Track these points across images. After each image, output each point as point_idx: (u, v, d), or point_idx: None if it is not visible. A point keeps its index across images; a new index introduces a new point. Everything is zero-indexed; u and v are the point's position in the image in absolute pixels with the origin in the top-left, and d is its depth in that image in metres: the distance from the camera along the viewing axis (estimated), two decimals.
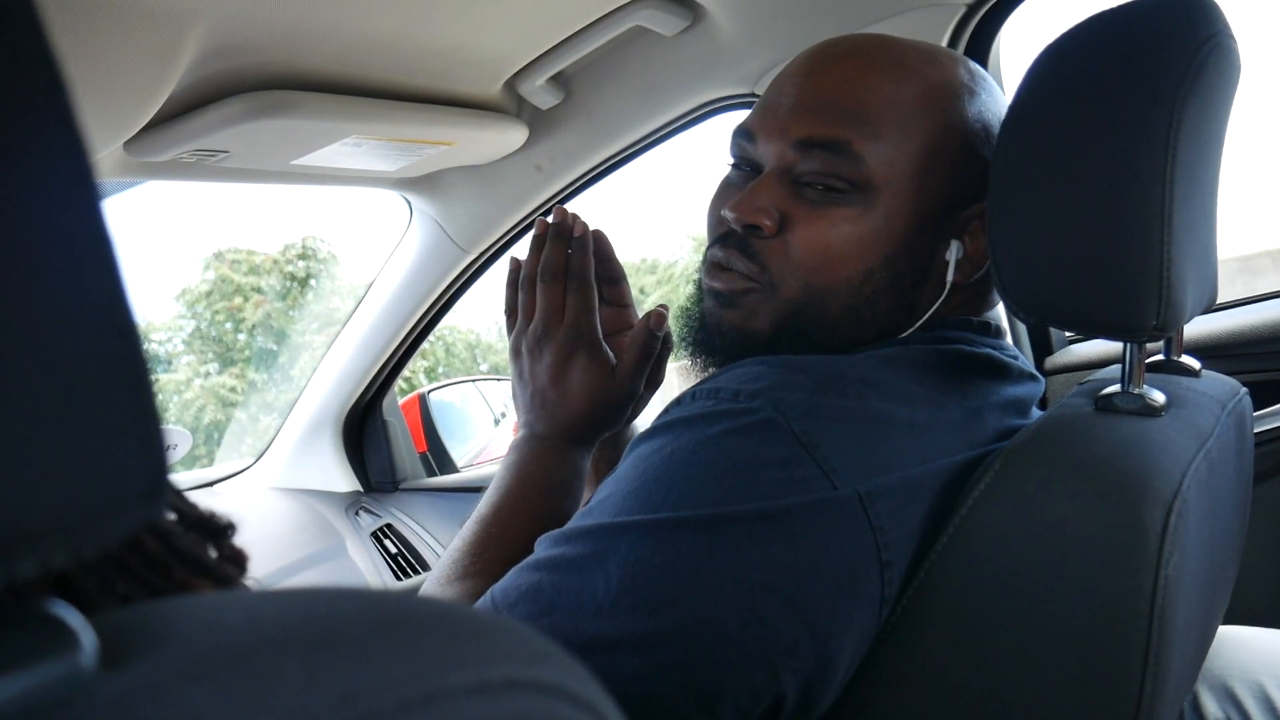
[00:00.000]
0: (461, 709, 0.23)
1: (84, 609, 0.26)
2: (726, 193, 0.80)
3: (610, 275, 0.93)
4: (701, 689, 0.58)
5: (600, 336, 0.86)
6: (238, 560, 0.35)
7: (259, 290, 16.27)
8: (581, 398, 0.85)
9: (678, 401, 0.68)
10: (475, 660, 0.25)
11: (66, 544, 0.20)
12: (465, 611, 0.27)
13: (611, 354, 0.86)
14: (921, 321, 0.77)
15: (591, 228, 0.88)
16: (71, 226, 0.22)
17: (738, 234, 0.76)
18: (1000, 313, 1.38)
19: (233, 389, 15.39)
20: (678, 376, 1.23)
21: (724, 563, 0.59)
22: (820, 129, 0.73)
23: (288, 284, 16.50)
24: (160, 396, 0.24)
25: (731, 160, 0.82)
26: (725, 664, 0.58)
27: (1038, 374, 0.80)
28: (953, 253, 0.75)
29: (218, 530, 0.35)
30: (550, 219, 0.88)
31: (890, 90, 0.73)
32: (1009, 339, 1.37)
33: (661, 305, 0.88)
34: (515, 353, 0.89)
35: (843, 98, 0.74)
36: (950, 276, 0.75)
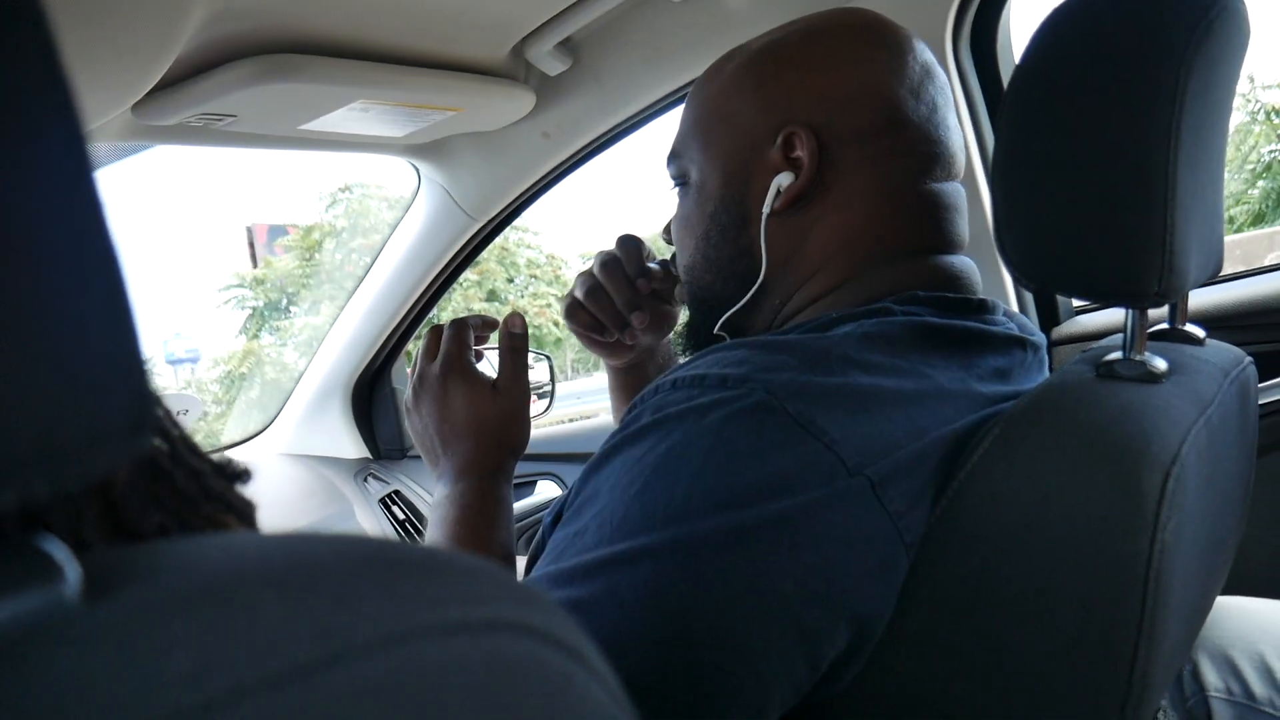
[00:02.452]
0: (442, 647, 0.24)
1: (125, 537, 0.27)
2: None
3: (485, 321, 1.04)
4: (749, 699, 0.57)
5: (469, 361, 0.95)
6: (248, 506, 0.36)
7: None
8: (469, 420, 0.92)
9: (654, 391, 0.66)
10: (457, 600, 0.25)
11: (47, 475, 0.21)
12: (448, 555, 0.27)
13: (488, 372, 0.95)
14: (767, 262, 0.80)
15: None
16: (54, 165, 0.22)
17: None
18: (1007, 282, 1.38)
19: None
20: None
21: (753, 578, 0.57)
22: (669, 152, 0.89)
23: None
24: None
25: None
26: (769, 672, 0.58)
27: (1033, 337, 0.79)
28: (774, 185, 0.78)
29: (234, 475, 0.36)
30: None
31: (686, 106, 0.87)
32: (1021, 308, 1.38)
33: (516, 312, 1.01)
34: (407, 414, 1.00)
35: (678, 128, 0.89)
36: (767, 207, 0.79)
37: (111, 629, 0.21)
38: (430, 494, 1.95)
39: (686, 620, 0.56)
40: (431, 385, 0.96)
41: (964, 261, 0.80)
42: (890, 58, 0.78)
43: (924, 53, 0.80)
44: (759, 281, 0.81)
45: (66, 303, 0.21)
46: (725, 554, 0.57)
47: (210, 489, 0.34)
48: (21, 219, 0.21)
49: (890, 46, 0.78)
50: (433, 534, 0.90)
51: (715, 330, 0.85)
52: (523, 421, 0.95)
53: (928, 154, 0.77)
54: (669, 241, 0.93)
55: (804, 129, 0.76)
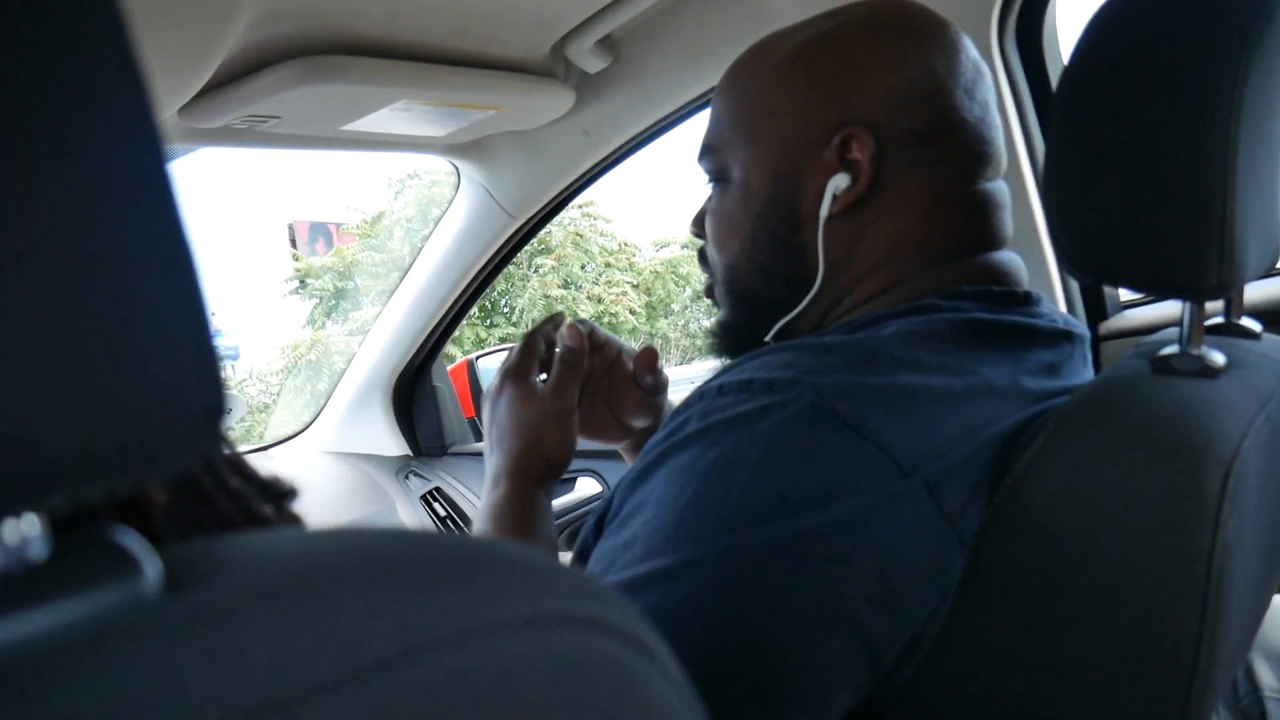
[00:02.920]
0: (516, 641, 0.24)
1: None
2: None
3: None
4: (810, 701, 0.57)
5: (527, 370, 0.96)
6: (295, 524, 0.36)
7: None
8: (509, 422, 0.93)
9: (699, 397, 0.65)
10: (530, 595, 0.25)
11: (131, 470, 0.21)
12: (519, 550, 0.27)
13: (539, 383, 0.96)
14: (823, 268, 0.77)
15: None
16: (135, 169, 0.22)
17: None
18: (1053, 276, 1.37)
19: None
20: None
21: (812, 585, 0.56)
22: (703, 142, 0.85)
23: None
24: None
25: None
26: (830, 674, 0.57)
27: (1077, 330, 0.77)
28: (830, 188, 0.75)
29: (281, 494, 0.36)
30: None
31: (720, 97, 0.83)
32: (1061, 306, 1.37)
33: (579, 320, 1.00)
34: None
35: (710, 118, 0.85)
36: (824, 211, 0.76)
37: (193, 623, 0.21)
38: (470, 490, 1.96)
39: (747, 631, 0.56)
40: (490, 391, 0.97)
41: (1010, 257, 0.78)
42: (946, 56, 0.76)
43: (973, 49, 0.79)
44: (815, 289, 0.78)
45: (146, 299, 0.22)
46: (783, 562, 0.56)
47: (254, 513, 0.34)
48: (102, 216, 0.21)
49: (945, 44, 0.76)
50: (478, 525, 0.91)
51: (767, 338, 0.82)
52: (562, 428, 0.93)
53: (980, 154, 0.76)
54: (699, 235, 0.89)
55: (863, 130, 0.74)
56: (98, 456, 0.20)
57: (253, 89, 1.20)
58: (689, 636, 0.55)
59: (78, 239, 0.21)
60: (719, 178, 0.83)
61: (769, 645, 0.56)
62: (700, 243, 0.89)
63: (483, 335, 12.63)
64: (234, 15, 1.03)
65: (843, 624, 0.57)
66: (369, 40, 1.23)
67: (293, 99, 1.23)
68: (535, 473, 0.91)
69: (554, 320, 1.01)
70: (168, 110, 1.21)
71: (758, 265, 0.81)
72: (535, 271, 12.95)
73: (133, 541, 0.22)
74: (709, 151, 0.83)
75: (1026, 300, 0.76)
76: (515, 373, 0.96)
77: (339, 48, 1.22)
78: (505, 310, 13.55)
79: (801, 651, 0.56)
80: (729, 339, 0.86)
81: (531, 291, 12.43)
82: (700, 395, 0.65)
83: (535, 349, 0.98)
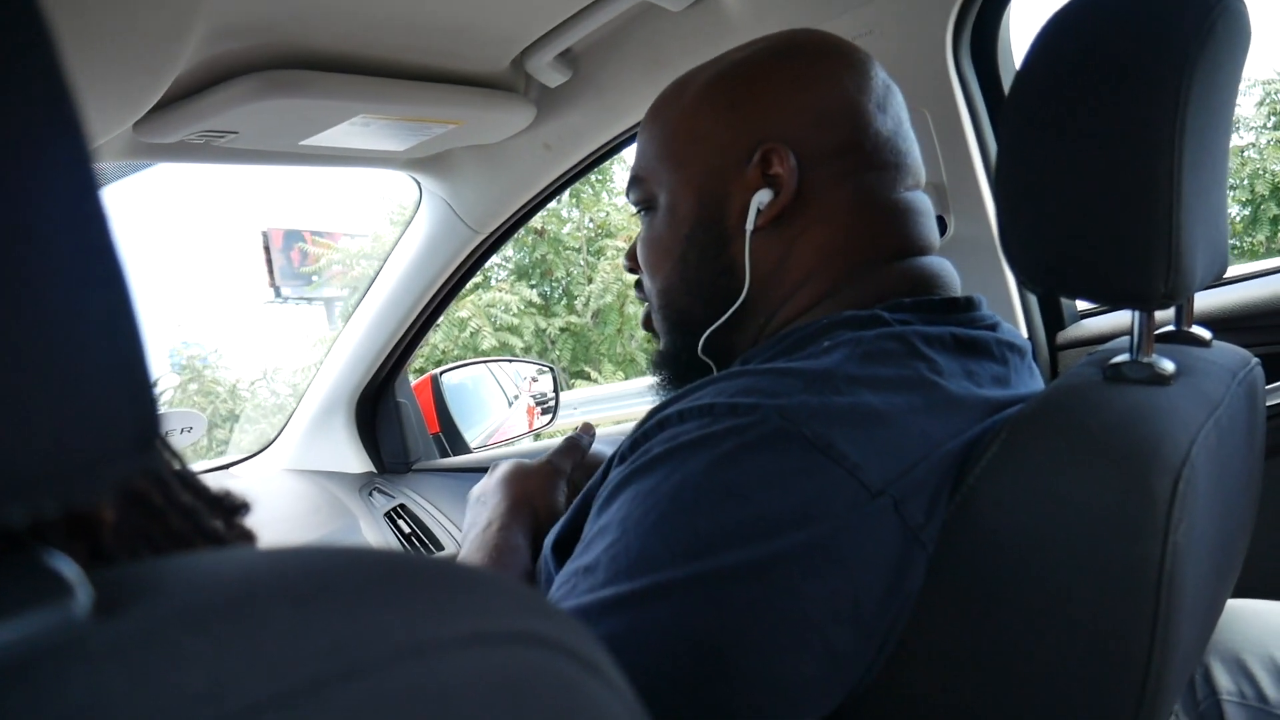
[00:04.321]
0: (456, 659, 0.23)
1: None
2: None
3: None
4: (776, 719, 0.57)
5: (557, 465, 1.01)
6: (248, 540, 0.36)
7: None
8: (510, 479, 0.98)
9: (659, 425, 0.65)
10: (471, 612, 0.25)
11: (56, 491, 0.21)
12: (461, 567, 0.27)
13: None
14: (748, 278, 0.80)
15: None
16: (60, 184, 0.22)
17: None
18: (1011, 287, 1.38)
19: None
20: None
21: (784, 608, 0.56)
22: (630, 178, 0.89)
23: None
24: None
25: None
26: (797, 692, 0.57)
27: (1019, 342, 0.78)
28: (754, 203, 0.78)
29: (233, 509, 0.35)
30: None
31: (644, 130, 0.87)
32: (1018, 315, 1.38)
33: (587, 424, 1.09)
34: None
35: (636, 151, 0.89)
36: (750, 224, 0.79)
37: (123, 647, 0.21)
38: (435, 506, 1.95)
39: (717, 654, 0.55)
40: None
41: (940, 263, 0.81)
42: (856, 74, 0.80)
43: (882, 71, 0.83)
44: (741, 298, 0.80)
45: (72, 318, 0.21)
46: (754, 586, 0.56)
47: (205, 528, 0.33)
48: (26, 234, 0.21)
49: (855, 65, 0.80)
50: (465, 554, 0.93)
51: (699, 353, 0.84)
52: (552, 486, 0.98)
53: (898, 164, 0.80)
54: (632, 269, 0.92)
55: (782, 146, 0.77)
56: (21, 478, 0.20)
57: (209, 104, 1.19)
58: (656, 661, 0.55)
59: (0, 256, 0.20)
60: (647, 206, 0.87)
61: (739, 668, 0.55)
62: (635, 276, 0.93)
63: (542, 325, 12.09)
64: (190, 29, 1.02)
65: (813, 644, 0.57)
66: (327, 55, 1.22)
67: (250, 114, 1.22)
68: (521, 521, 0.93)
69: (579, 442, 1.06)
70: (123, 125, 1.19)
71: (690, 284, 0.84)
72: (599, 256, 12.42)
73: (63, 564, 0.22)
74: (636, 183, 0.87)
75: (968, 306, 0.77)
76: (548, 465, 1.01)
77: (297, 62, 1.21)
78: (562, 299, 12.83)
79: (772, 673, 0.56)
80: (671, 366, 0.88)
81: (603, 275, 11.89)
82: (660, 423, 0.65)
83: (576, 449, 1.04)
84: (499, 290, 12.03)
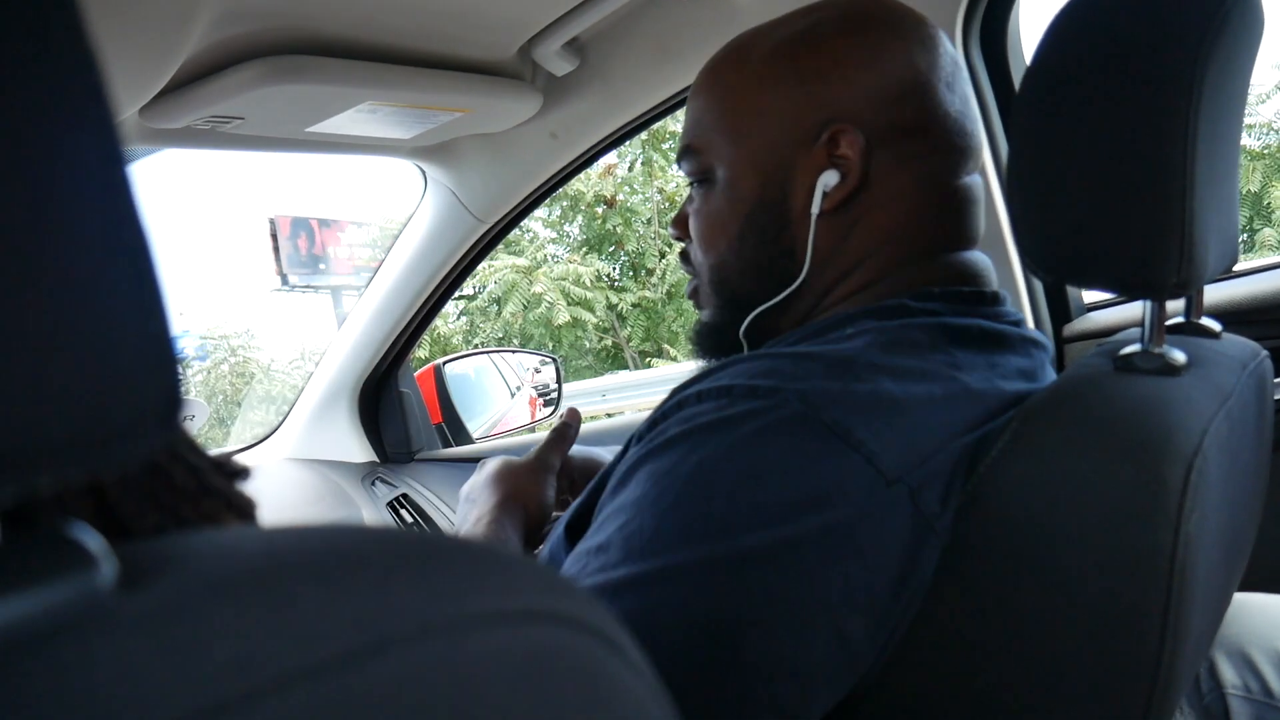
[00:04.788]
0: (481, 637, 0.23)
1: (120, 536, 0.26)
2: None
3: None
4: (790, 708, 0.57)
5: (547, 460, 1.00)
6: (248, 503, 0.36)
7: None
8: (499, 477, 0.97)
9: (678, 405, 0.65)
10: (496, 590, 0.25)
11: (83, 461, 0.20)
12: (485, 546, 0.27)
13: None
14: (809, 260, 0.77)
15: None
16: (89, 158, 0.22)
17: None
18: (1018, 277, 1.38)
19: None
20: None
21: (798, 592, 0.56)
22: (682, 143, 0.85)
23: None
24: None
25: None
26: (814, 684, 0.57)
27: (1041, 338, 0.78)
28: (820, 185, 0.75)
29: (233, 473, 0.35)
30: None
31: (699, 97, 0.83)
32: (1025, 308, 1.38)
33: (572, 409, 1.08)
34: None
35: (687, 118, 0.85)
36: (815, 208, 0.76)
37: (150, 618, 0.20)
38: (437, 496, 1.95)
39: (730, 637, 0.55)
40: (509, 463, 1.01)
41: (981, 257, 0.79)
42: (926, 50, 0.76)
43: (949, 44, 0.79)
44: (798, 282, 0.78)
45: (100, 292, 0.21)
46: (769, 570, 0.56)
47: (209, 485, 0.34)
48: (56, 210, 0.21)
49: (924, 39, 0.77)
50: None
51: (741, 331, 0.82)
52: (540, 481, 0.97)
53: (963, 148, 0.77)
54: (680, 238, 0.89)
55: (851, 126, 0.74)
56: (50, 449, 0.20)
57: (216, 89, 1.19)
58: (668, 642, 0.55)
59: (29, 228, 0.20)
60: (702, 178, 0.82)
61: (751, 651, 0.55)
62: (680, 244, 0.89)
63: (614, 300, 11.77)
64: (196, 14, 1.02)
65: (825, 629, 0.57)
66: (334, 41, 1.22)
67: (256, 100, 1.22)
68: (512, 516, 0.92)
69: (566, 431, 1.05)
70: (129, 110, 1.19)
71: (747, 264, 0.80)
72: (671, 249, 11.79)
73: (88, 536, 0.22)
74: (691, 153, 0.82)
75: (995, 300, 0.76)
76: (538, 458, 1.01)
77: (304, 48, 1.20)
78: (631, 272, 12.34)
79: (784, 657, 0.56)
80: (713, 339, 0.85)
81: (669, 262, 11.39)
82: (679, 403, 0.65)
83: (564, 437, 1.03)
84: (570, 263, 11.55)
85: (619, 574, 0.58)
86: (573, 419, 1.05)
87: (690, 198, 0.85)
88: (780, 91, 0.77)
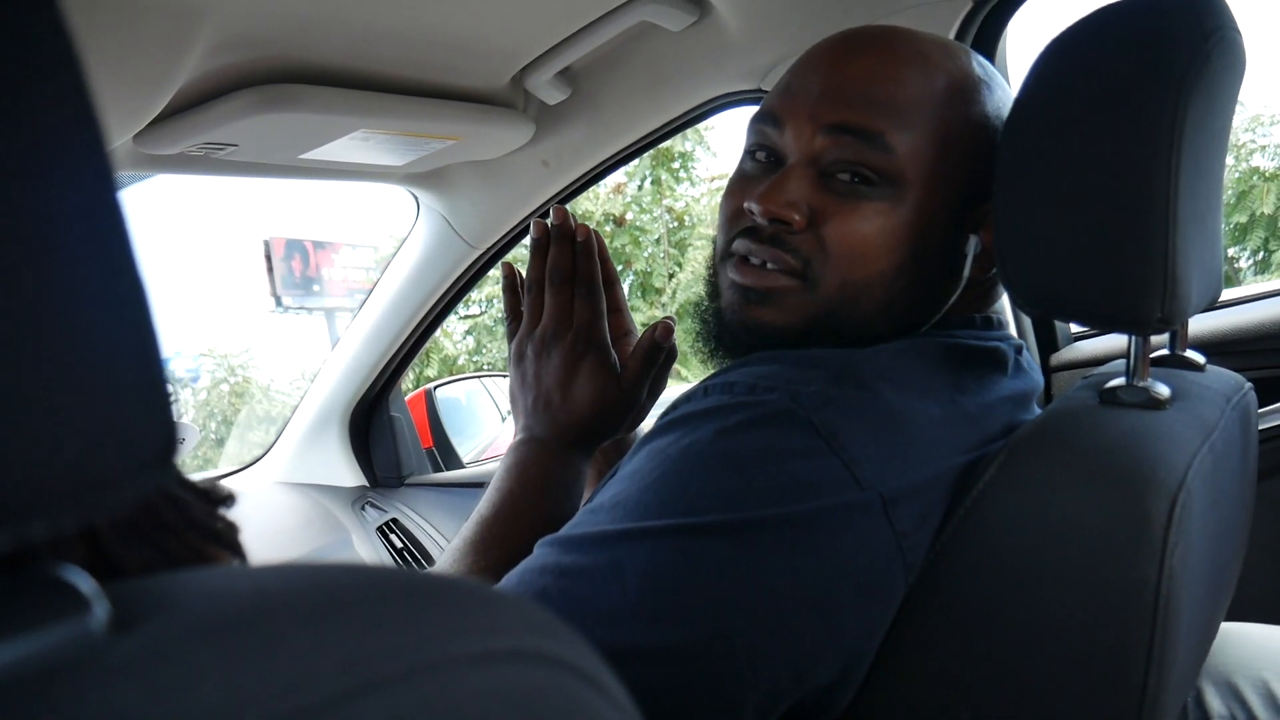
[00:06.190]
0: (467, 677, 0.24)
1: (107, 574, 0.26)
2: (745, 184, 0.77)
3: (606, 278, 0.91)
4: (725, 697, 0.58)
5: (609, 342, 0.86)
6: (233, 530, 0.36)
7: None
8: (586, 402, 0.85)
9: (688, 397, 0.67)
10: (480, 630, 0.25)
11: (80, 507, 0.21)
12: (470, 584, 0.27)
13: (617, 360, 0.87)
14: (938, 316, 0.77)
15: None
16: (84, 199, 0.22)
17: (765, 228, 0.74)
18: (1005, 308, 1.39)
19: None
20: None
21: (750, 571, 0.58)
22: (853, 116, 0.71)
23: None
24: None
25: (748, 148, 0.79)
26: (750, 673, 0.58)
27: (1035, 367, 0.80)
28: (971, 247, 0.75)
29: (218, 500, 0.36)
30: (550, 220, 0.88)
31: (918, 83, 0.72)
32: (1019, 335, 1.39)
33: (668, 317, 0.89)
34: (519, 356, 0.89)
35: (873, 87, 0.72)
36: (968, 271, 0.76)
37: (140, 662, 0.21)
38: (428, 521, 1.94)
39: (678, 601, 0.57)
40: (562, 352, 0.86)
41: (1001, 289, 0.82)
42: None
43: None
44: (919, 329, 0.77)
45: (94, 334, 0.22)
46: (725, 544, 0.58)
47: (194, 519, 0.34)
48: (47, 246, 0.21)
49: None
50: (504, 482, 0.85)
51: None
52: (624, 420, 0.88)
53: None
54: (791, 225, 0.73)
55: (988, 204, 0.74)
56: (44, 494, 0.20)
57: (209, 116, 1.19)
58: (626, 596, 0.58)
59: (21, 269, 0.20)
60: (870, 178, 0.72)
61: (696, 621, 0.57)
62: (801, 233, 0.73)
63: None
64: (191, 42, 1.02)
65: (772, 618, 0.58)
66: (327, 69, 1.23)
67: (250, 127, 1.22)
68: (587, 442, 0.86)
69: (600, 293, 0.88)
70: (123, 136, 1.19)
71: (880, 300, 0.73)
72: (681, 248, 11.50)
73: (80, 579, 0.22)
74: (883, 145, 0.71)
75: (1000, 326, 0.78)
76: (600, 348, 0.86)
77: (297, 76, 1.21)
78: (640, 292, 12.20)
79: (726, 634, 0.57)
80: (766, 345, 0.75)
81: (694, 265, 11.15)
82: (688, 396, 0.67)
83: (601, 310, 0.87)
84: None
85: (600, 530, 0.61)
86: (662, 337, 0.87)
87: (824, 184, 0.73)
88: (980, 151, 0.74)
